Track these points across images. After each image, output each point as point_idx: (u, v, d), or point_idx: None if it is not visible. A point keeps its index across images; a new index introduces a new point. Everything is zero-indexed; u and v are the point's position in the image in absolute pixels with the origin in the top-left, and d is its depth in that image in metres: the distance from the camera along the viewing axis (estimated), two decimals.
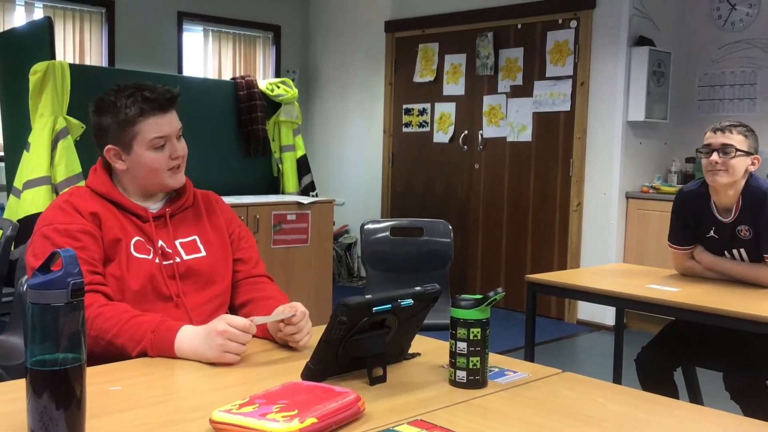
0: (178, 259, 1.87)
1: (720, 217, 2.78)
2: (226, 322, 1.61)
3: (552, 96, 5.77)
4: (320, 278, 4.90)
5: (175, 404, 1.37)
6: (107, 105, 1.86)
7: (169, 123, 1.86)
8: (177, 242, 1.89)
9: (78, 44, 6.25)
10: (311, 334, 1.71)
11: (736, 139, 2.68)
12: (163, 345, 1.63)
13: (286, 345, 1.74)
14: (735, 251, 2.79)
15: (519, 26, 5.95)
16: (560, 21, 5.72)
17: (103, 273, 1.78)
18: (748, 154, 2.69)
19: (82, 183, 3.89)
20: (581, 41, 5.59)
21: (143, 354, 1.64)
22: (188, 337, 1.64)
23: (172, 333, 1.64)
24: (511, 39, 6.01)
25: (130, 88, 1.85)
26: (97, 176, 1.91)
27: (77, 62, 6.09)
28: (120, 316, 1.67)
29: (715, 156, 2.68)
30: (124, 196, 1.89)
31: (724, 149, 2.67)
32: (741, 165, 2.68)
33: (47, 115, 3.98)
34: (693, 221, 2.86)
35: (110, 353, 1.66)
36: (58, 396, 1.13)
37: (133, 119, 1.82)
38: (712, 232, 2.81)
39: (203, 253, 1.92)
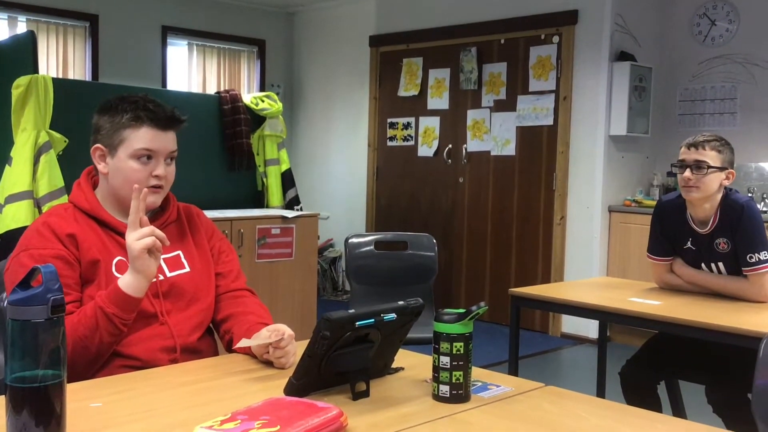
0: (161, 277, 1.86)
1: (696, 228, 2.80)
2: (127, 240, 1.70)
3: (535, 110, 5.81)
4: (305, 292, 4.88)
5: (157, 421, 1.36)
6: (109, 106, 1.86)
7: (160, 140, 1.84)
8: (160, 258, 1.88)
9: (61, 58, 6.23)
10: (296, 355, 1.71)
11: (710, 155, 2.70)
12: (113, 293, 1.70)
13: (268, 361, 1.73)
14: (713, 264, 2.81)
15: (502, 41, 6.00)
16: (543, 36, 5.77)
17: (80, 297, 1.77)
18: (721, 169, 2.71)
19: (65, 197, 3.88)
20: (564, 56, 5.64)
21: (107, 318, 1.68)
22: (126, 273, 1.72)
23: (115, 284, 1.72)
24: (494, 54, 6.05)
25: (137, 97, 1.86)
26: (81, 191, 1.89)
27: (60, 76, 6.07)
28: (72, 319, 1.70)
29: (687, 173, 2.70)
30: (107, 212, 1.86)
31: (698, 165, 2.69)
32: (714, 181, 2.70)
33: (30, 129, 3.95)
34: (671, 232, 2.88)
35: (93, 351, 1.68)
36: (38, 413, 1.12)
37: (126, 123, 1.82)
38: (689, 243, 2.83)
39: (187, 269, 1.91)
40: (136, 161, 1.83)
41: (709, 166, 2.68)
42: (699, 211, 2.78)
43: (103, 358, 1.73)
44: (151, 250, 1.70)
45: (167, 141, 1.86)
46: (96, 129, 1.87)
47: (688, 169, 2.71)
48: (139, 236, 1.69)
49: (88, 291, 1.78)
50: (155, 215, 1.94)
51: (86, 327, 1.69)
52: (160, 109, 1.84)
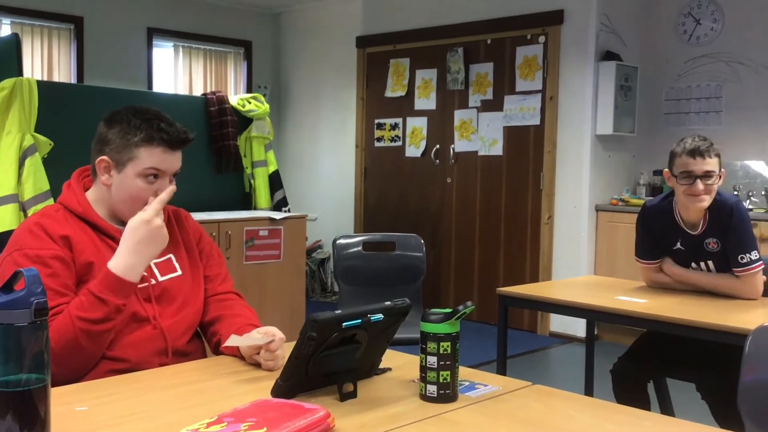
0: (153, 281, 1.85)
1: (687, 231, 2.81)
2: (141, 217, 1.73)
3: (522, 110, 5.82)
4: (293, 294, 4.88)
5: (142, 424, 1.35)
6: (120, 119, 1.84)
7: (170, 161, 1.84)
8: (152, 262, 1.86)
9: (46, 61, 6.20)
10: (284, 358, 1.70)
11: (713, 163, 2.68)
12: (105, 278, 1.69)
13: (255, 363, 1.72)
14: (702, 263, 2.83)
15: (489, 41, 6.01)
16: (529, 36, 5.78)
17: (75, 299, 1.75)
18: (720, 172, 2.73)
19: (51, 200, 3.86)
20: (550, 56, 5.65)
21: (101, 301, 1.66)
22: (118, 253, 1.72)
23: (106, 269, 1.71)
24: (481, 54, 6.07)
25: (151, 113, 1.84)
26: (72, 193, 1.87)
27: (45, 79, 6.04)
28: (64, 312, 1.69)
29: (700, 185, 2.67)
30: (99, 216, 1.85)
31: (708, 175, 2.68)
32: (717, 185, 2.72)
33: (14, 132, 3.93)
34: (659, 235, 2.89)
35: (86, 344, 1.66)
36: (22, 417, 1.11)
37: (138, 142, 1.80)
38: (678, 244, 2.84)
39: (179, 272, 1.91)
40: (144, 180, 1.82)
41: (717, 174, 2.69)
42: (692, 214, 2.78)
43: (95, 358, 1.71)
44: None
45: (175, 161, 1.86)
46: (103, 140, 1.84)
47: (698, 181, 2.67)
48: (155, 213, 1.74)
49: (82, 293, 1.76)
50: None
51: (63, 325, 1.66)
52: (173, 129, 1.83)
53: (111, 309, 1.67)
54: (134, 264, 1.70)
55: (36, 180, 3.92)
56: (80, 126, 4.13)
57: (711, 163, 2.68)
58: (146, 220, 1.72)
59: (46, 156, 4.01)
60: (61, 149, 4.03)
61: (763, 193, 5.14)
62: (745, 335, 1.91)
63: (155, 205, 1.74)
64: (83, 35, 6.34)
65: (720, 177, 2.73)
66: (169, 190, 1.79)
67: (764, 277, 2.75)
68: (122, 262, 1.70)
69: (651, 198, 3.14)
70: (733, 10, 5.39)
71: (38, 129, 4.00)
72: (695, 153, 2.68)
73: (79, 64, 6.33)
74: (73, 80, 6.28)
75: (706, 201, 2.71)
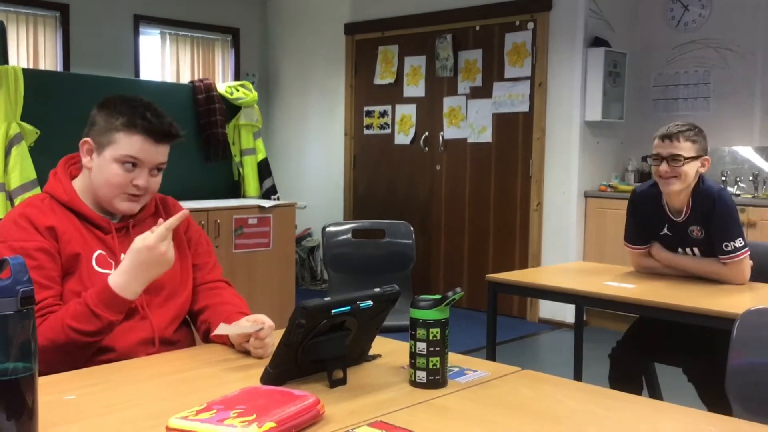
0: None
1: (672, 217, 2.83)
2: (144, 243, 1.67)
3: (511, 97, 5.82)
4: (283, 282, 4.87)
5: (131, 412, 1.35)
6: (109, 104, 1.82)
7: (149, 152, 1.80)
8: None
9: (32, 48, 6.14)
10: (274, 345, 1.70)
11: (684, 147, 2.70)
12: (102, 292, 1.66)
13: (245, 351, 1.72)
14: (688, 249, 2.84)
15: (477, 28, 5.99)
16: (517, 23, 5.77)
17: (61, 291, 1.74)
18: (696, 157, 2.73)
19: (38, 189, 3.83)
20: (538, 43, 5.65)
21: (95, 316, 1.64)
22: (119, 271, 1.68)
23: (105, 281, 1.68)
24: (469, 41, 6.05)
25: (139, 102, 1.82)
26: (58, 181, 1.85)
27: (31, 67, 5.97)
28: (58, 314, 1.67)
29: (664, 166, 2.71)
30: (86, 205, 1.83)
31: (673, 158, 2.70)
32: (692, 170, 2.72)
33: (0, 120, 3.90)
34: (647, 220, 2.91)
35: (72, 351, 1.65)
36: (9, 406, 1.10)
37: (119, 127, 1.78)
38: (665, 230, 2.86)
39: None
40: (120, 166, 1.79)
41: (685, 158, 2.70)
42: (674, 200, 2.80)
43: (83, 360, 1.69)
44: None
45: (157, 153, 1.82)
46: (91, 123, 1.84)
47: (664, 162, 2.71)
48: (159, 240, 1.68)
49: (68, 284, 1.75)
50: None
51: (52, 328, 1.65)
52: (157, 120, 1.80)
53: (104, 324, 1.67)
54: (132, 284, 1.68)
55: (22, 169, 3.89)
56: (67, 114, 4.11)
57: (679, 147, 2.70)
58: (150, 247, 1.67)
59: (32, 145, 3.98)
60: (48, 138, 4.00)
61: (750, 178, 5.16)
62: (732, 319, 1.92)
63: (161, 230, 1.68)
64: (69, 23, 6.27)
65: (702, 164, 2.74)
66: (179, 216, 1.73)
67: (750, 262, 2.77)
68: (121, 280, 1.68)
69: (641, 183, 3.16)
70: None
71: (24, 117, 3.97)
72: (665, 136, 2.74)
73: (65, 51, 6.27)
74: (59, 68, 6.23)
75: (675, 185, 2.72)
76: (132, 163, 1.80)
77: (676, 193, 2.76)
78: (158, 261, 1.69)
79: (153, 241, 1.67)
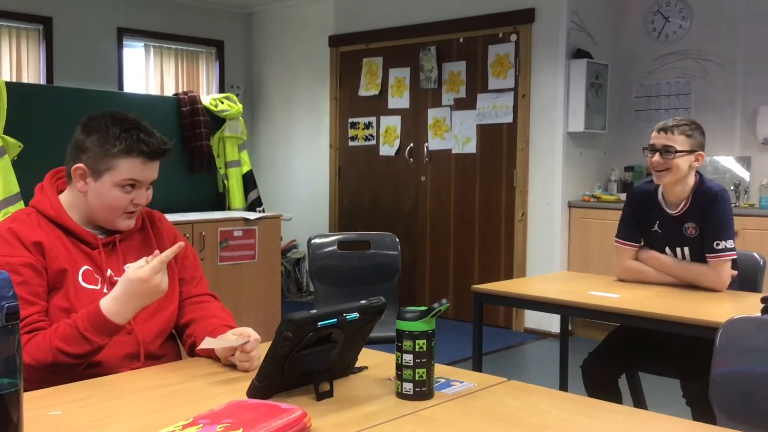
0: None
1: (667, 210, 2.86)
2: (138, 275, 1.64)
3: (495, 108, 5.85)
4: (269, 294, 4.86)
5: (118, 427, 1.34)
6: (99, 127, 1.80)
7: (147, 171, 1.83)
8: (125, 266, 1.84)
9: (15, 61, 6.11)
10: (260, 358, 1.70)
11: (678, 140, 2.77)
12: (94, 316, 1.65)
13: (231, 364, 1.72)
14: (678, 249, 2.86)
15: (461, 40, 6.03)
16: (501, 35, 5.81)
17: (47, 307, 1.73)
18: (690, 152, 2.77)
19: (21, 203, 3.81)
20: (521, 54, 5.69)
21: (84, 339, 1.63)
22: (111, 297, 1.66)
23: (96, 305, 1.66)
24: (453, 53, 6.09)
25: (130, 123, 1.81)
26: (45, 196, 1.84)
27: (14, 80, 5.95)
28: (45, 335, 1.66)
29: (656, 157, 2.78)
30: (73, 220, 1.83)
31: (666, 150, 2.77)
32: (683, 163, 2.77)
33: None
34: (640, 216, 2.94)
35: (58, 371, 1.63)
36: None
37: (117, 153, 1.78)
38: (656, 226, 2.89)
39: None
40: (120, 190, 1.81)
41: (677, 151, 2.75)
42: (671, 193, 2.85)
43: (69, 378, 1.69)
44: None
45: (153, 170, 1.85)
46: (80, 148, 1.81)
47: (657, 154, 2.78)
48: (153, 273, 1.66)
49: (55, 300, 1.74)
50: None
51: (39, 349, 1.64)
52: (152, 140, 1.81)
53: (93, 348, 1.66)
54: (123, 312, 1.67)
55: (6, 182, 3.86)
56: (50, 127, 4.10)
57: (673, 140, 2.77)
58: (143, 279, 1.65)
59: (15, 158, 3.95)
60: (31, 151, 3.98)
61: (732, 188, 5.22)
62: (715, 328, 1.93)
63: (155, 264, 1.66)
64: (52, 36, 6.26)
65: (696, 159, 2.79)
66: (174, 248, 1.71)
67: (734, 272, 2.80)
68: (112, 306, 1.66)
69: (640, 181, 3.23)
70: (701, 7, 5.47)
71: (7, 131, 3.95)
72: (661, 129, 2.82)
73: (49, 64, 6.25)
74: (43, 81, 6.20)
75: (667, 177, 2.78)
76: (131, 185, 1.82)
77: (671, 185, 2.80)
78: (151, 292, 1.68)
79: (147, 274, 1.65)
